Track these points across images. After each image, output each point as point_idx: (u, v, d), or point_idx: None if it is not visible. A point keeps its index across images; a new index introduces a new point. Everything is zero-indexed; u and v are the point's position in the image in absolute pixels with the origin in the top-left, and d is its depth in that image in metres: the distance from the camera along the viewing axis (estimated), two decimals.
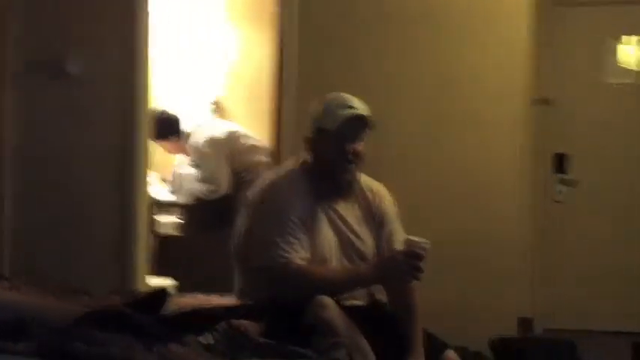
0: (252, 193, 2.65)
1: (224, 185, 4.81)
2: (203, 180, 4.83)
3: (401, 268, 2.40)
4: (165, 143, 4.93)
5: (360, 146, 2.55)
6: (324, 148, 2.55)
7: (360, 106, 2.55)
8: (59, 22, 4.07)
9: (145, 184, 4.10)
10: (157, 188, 4.95)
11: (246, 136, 4.91)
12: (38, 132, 4.10)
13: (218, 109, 5.33)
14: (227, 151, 4.82)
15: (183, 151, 4.98)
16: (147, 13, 4.04)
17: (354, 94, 2.60)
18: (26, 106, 4.10)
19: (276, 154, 3.98)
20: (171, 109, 4.95)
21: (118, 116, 4.02)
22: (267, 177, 2.72)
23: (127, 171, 4.00)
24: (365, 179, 2.69)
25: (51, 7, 4.08)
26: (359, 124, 2.53)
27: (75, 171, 4.07)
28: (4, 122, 4.08)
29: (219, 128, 4.89)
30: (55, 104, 4.08)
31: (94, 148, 4.05)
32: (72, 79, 4.03)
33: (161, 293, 2.35)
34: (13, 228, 4.09)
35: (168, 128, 4.87)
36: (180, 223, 4.91)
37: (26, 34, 4.07)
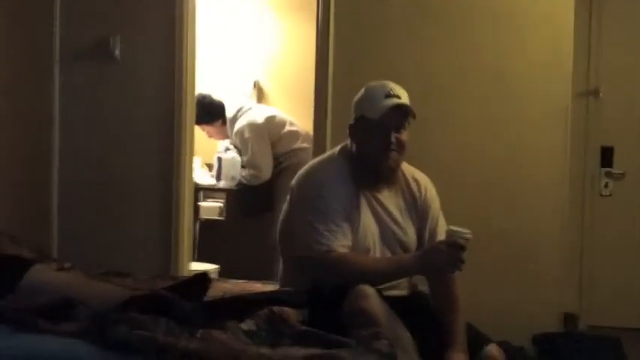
0: (295, 180, 2.65)
1: (266, 171, 4.83)
2: (245, 165, 4.86)
3: (443, 258, 2.39)
4: (209, 127, 4.96)
5: (403, 135, 2.53)
6: (366, 137, 2.54)
7: (403, 95, 2.54)
8: (104, 7, 4.11)
9: (190, 169, 4.13)
10: (200, 173, 4.99)
11: (285, 122, 4.92)
12: (84, 117, 4.16)
13: (259, 93, 5.35)
14: (267, 136, 4.83)
15: (226, 136, 5.01)
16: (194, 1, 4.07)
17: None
18: (72, 91, 4.15)
19: (317, 140, 3.96)
20: (216, 94, 4.97)
21: (163, 101, 4.05)
22: (310, 164, 2.72)
23: (172, 156, 4.03)
24: (409, 169, 2.67)
25: None
26: (402, 113, 2.52)
27: (120, 156, 4.12)
28: (52, 107, 4.14)
29: (259, 113, 4.90)
30: (100, 89, 4.13)
31: (139, 133, 4.09)
32: (117, 63, 4.08)
33: (204, 278, 2.36)
34: (60, 213, 4.16)
35: (212, 113, 4.90)
36: (222, 207, 4.94)
37: (71, 20, 4.12)
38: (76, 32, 4.13)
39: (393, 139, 2.50)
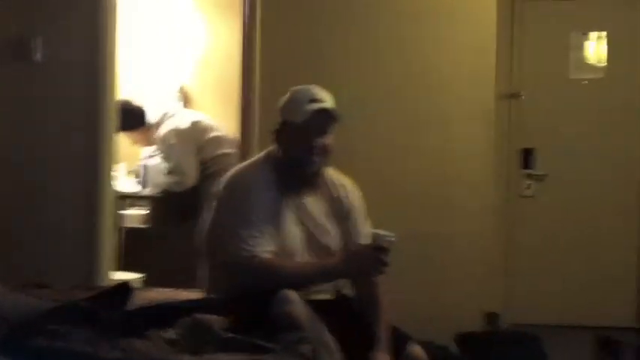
0: (218, 185, 2.63)
1: (190, 177, 4.77)
2: (170, 171, 4.80)
3: (367, 261, 2.41)
4: (132, 134, 4.88)
5: (327, 140, 2.54)
6: (290, 141, 2.54)
7: (327, 99, 2.55)
8: (25, 4, 4.00)
9: (110, 176, 4.05)
10: (124, 180, 4.90)
11: (211, 127, 4.87)
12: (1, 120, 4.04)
13: (184, 98, 5.29)
14: (192, 141, 4.78)
15: (150, 142, 4.94)
16: (114, 1, 4.00)
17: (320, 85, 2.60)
18: None
19: (244, 145, 3.95)
20: (137, 100, 4.90)
21: (83, 105, 3.96)
22: (234, 169, 2.70)
23: (93, 163, 3.94)
24: (332, 173, 2.68)
25: None
26: (326, 117, 2.52)
27: (38, 161, 4.01)
28: None
29: (184, 119, 4.85)
30: (18, 90, 4.01)
31: (59, 139, 3.99)
32: (36, 65, 3.97)
33: (125, 287, 2.32)
34: None
35: (134, 119, 4.82)
36: (146, 215, 4.87)
37: None
38: None
39: (317, 144, 2.50)
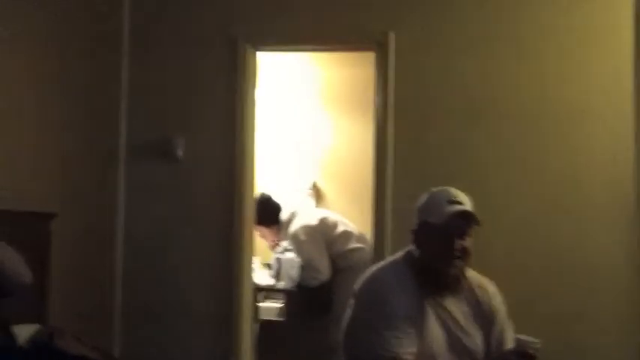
0: (358, 284, 2.63)
1: (325, 272, 4.81)
2: (304, 267, 4.86)
3: None
4: (265, 229, 4.99)
5: (467, 242, 2.51)
6: (430, 243, 2.53)
7: (466, 201, 2.54)
8: (167, 107, 4.26)
9: (250, 269, 4.15)
10: (259, 273, 5.00)
11: (337, 223, 4.93)
12: (146, 213, 4.25)
13: (317, 194, 5.39)
14: (322, 238, 4.84)
15: (279, 238, 5.03)
16: (253, 102, 4.18)
17: (453, 184, 2.61)
18: (136, 187, 4.26)
19: (378, 242, 3.95)
20: (275, 196, 5.04)
21: (223, 199, 4.13)
22: (373, 269, 2.70)
23: (232, 255, 4.06)
24: (473, 275, 2.64)
25: (159, 92, 4.28)
26: (465, 219, 2.50)
27: (180, 253, 4.18)
28: (117, 202, 4.25)
29: (312, 216, 4.94)
30: (162, 186, 4.23)
31: (199, 232, 4.16)
32: (179, 162, 4.18)
33: None
34: (123, 312, 4.19)
35: (271, 215, 4.95)
36: (280, 308, 4.92)
37: (136, 119, 4.29)
38: (141, 131, 4.28)
39: (457, 246, 2.49)
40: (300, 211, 4.98)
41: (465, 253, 2.51)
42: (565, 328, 3.64)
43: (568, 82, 3.83)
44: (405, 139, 3.90)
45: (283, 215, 4.98)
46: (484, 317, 2.57)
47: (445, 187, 2.58)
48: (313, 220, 4.88)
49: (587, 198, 3.78)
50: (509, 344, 2.47)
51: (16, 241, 3.34)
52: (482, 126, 3.86)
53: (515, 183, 3.83)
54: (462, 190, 2.58)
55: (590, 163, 3.79)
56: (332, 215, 5.00)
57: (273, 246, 5.10)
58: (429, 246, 2.53)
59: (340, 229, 4.90)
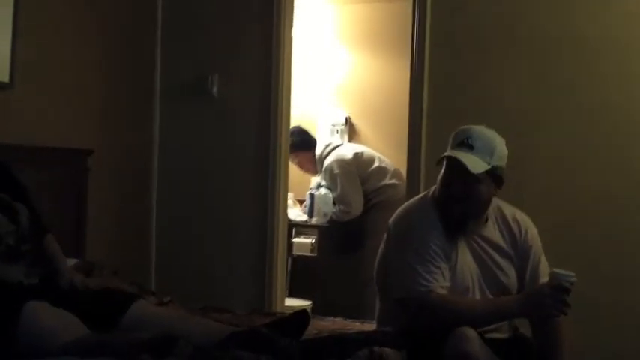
0: (392, 221, 2.63)
1: (356, 207, 4.82)
2: (336, 201, 4.87)
3: (547, 302, 2.32)
4: (303, 155, 5.00)
5: (471, 189, 2.41)
6: (437, 184, 2.51)
7: (482, 145, 2.41)
8: (203, 45, 4.26)
9: (284, 205, 4.17)
10: (293, 209, 5.03)
11: (373, 158, 4.92)
12: (182, 150, 4.30)
13: (351, 130, 5.37)
14: (356, 172, 4.84)
15: (315, 170, 5.03)
16: (289, 40, 4.15)
17: (490, 125, 2.53)
18: (171, 125, 4.29)
19: (412, 178, 3.93)
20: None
21: (258, 136, 4.15)
22: (406, 205, 2.68)
23: (267, 191, 4.08)
24: (509, 209, 2.62)
25: (195, 31, 4.27)
26: (456, 165, 2.40)
27: (216, 190, 4.22)
28: (152, 141, 4.29)
29: (347, 150, 4.93)
30: (198, 124, 4.25)
31: (234, 168, 4.19)
32: (215, 100, 4.19)
33: (303, 316, 2.36)
34: (158, 246, 4.27)
35: (308, 140, 4.98)
36: (314, 244, 4.96)
37: (172, 58, 4.30)
38: (177, 69, 4.29)
39: (452, 191, 2.42)
40: (335, 145, 4.98)
41: (464, 199, 2.42)
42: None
43: None
44: (441, 76, 3.83)
45: (319, 149, 4.98)
46: (518, 250, 2.55)
47: (467, 127, 2.48)
48: (349, 154, 4.87)
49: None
50: (544, 278, 2.45)
51: (54, 176, 3.43)
52: (526, 66, 3.73)
53: (555, 129, 3.72)
54: (498, 132, 2.50)
55: None
56: (368, 151, 4.98)
57: (312, 172, 5.11)
58: (437, 187, 2.51)
59: (376, 164, 4.89)
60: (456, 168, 2.40)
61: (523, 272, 2.55)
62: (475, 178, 2.39)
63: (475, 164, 2.38)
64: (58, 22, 3.65)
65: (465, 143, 2.42)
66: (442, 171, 2.47)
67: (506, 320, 2.51)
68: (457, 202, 2.43)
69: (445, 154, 2.44)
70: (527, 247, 2.56)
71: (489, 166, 2.41)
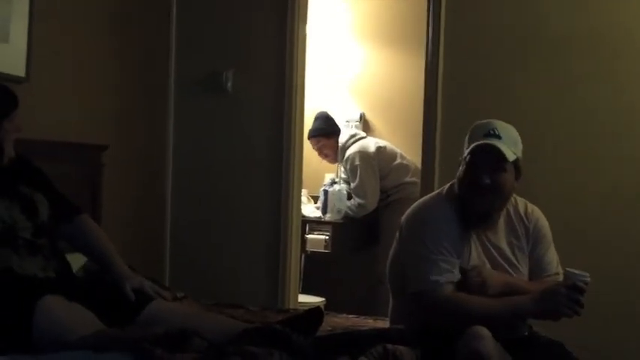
0: (404, 217, 2.62)
1: (372, 200, 4.82)
2: (352, 192, 4.87)
3: (562, 301, 2.31)
4: (326, 141, 4.99)
5: (500, 177, 2.41)
6: (461, 177, 2.49)
7: (508, 137, 2.43)
8: (217, 41, 4.26)
9: (298, 201, 4.18)
10: (307, 205, 5.03)
11: (396, 154, 4.91)
12: (196, 145, 4.30)
13: (365, 126, 5.36)
14: (377, 166, 4.83)
15: (335, 157, 5.02)
16: (303, 36, 4.14)
17: (504, 118, 2.53)
18: (185, 120, 4.30)
19: (426, 176, 3.92)
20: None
21: (272, 132, 4.15)
22: (419, 202, 2.68)
23: (281, 187, 4.08)
24: (521, 204, 2.61)
25: (209, 26, 4.27)
26: (489, 153, 2.40)
27: (230, 185, 4.22)
28: (167, 135, 4.30)
29: (371, 143, 4.92)
30: (212, 119, 4.26)
31: (248, 164, 4.19)
32: (228, 95, 4.19)
33: (317, 313, 2.36)
34: (172, 241, 4.28)
35: (332, 126, 4.99)
36: (327, 240, 4.95)
37: (186, 53, 4.31)
38: (191, 64, 4.29)
39: (482, 181, 2.41)
40: (359, 137, 4.98)
41: (495, 188, 2.42)
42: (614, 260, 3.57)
43: None
44: (456, 72, 3.82)
45: (342, 138, 4.97)
46: (529, 241, 2.55)
47: (489, 120, 2.50)
48: (372, 147, 4.87)
49: None
50: (552, 271, 2.48)
51: (69, 171, 3.44)
52: (543, 65, 3.71)
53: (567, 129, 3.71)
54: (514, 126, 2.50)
55: None
56: (390, 146, 4.96)
57: (331, 159, 5.10)
58: (460, 180, 2.49)
59: (398, 160, 4.89)
60: (489, 156, 2.40)
61: (534, 266, 2.54)
62: (504, 168, 2.41)
63: (508, 152, 2.41)
64: (73, 17, 3.66)
65: (493, 133, 2.43)
66: (465, 165, 2.46)
67: (520, 319, 2.50)
68: (485, 193, 2.42)
69: (477, 142, 2.42)
70: (537, 233, 2.56)
71: (516, 156, 2.43)
